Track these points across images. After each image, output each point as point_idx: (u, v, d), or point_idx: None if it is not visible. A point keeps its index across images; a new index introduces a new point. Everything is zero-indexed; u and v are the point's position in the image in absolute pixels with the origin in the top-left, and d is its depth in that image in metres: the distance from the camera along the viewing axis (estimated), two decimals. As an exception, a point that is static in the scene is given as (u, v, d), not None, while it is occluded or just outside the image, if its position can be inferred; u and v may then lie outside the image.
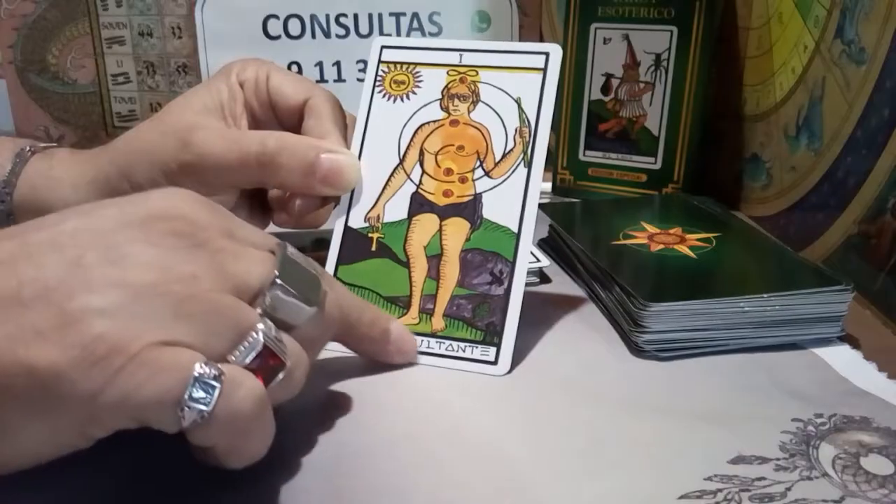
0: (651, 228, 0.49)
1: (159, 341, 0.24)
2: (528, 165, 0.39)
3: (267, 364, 0.26)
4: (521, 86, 0.40)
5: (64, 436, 0.25)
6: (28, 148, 0.44)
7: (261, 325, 0.26)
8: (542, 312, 0.42)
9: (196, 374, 0.24)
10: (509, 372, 0.36)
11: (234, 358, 0.26)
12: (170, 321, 0.24)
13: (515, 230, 0.38)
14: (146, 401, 0.24)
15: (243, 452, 0.27)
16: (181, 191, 0.28)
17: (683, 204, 0.56)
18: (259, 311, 0.27)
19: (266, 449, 0.27)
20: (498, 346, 0.37)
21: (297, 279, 0.28)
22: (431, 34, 0.70)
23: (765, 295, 0.39)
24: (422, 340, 0.38)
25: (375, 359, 0.36)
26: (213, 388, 0.24)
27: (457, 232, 0.39)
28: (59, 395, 0.23)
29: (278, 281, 0.27)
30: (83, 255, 0.24)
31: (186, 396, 0.24)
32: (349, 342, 0.35)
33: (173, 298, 0.25)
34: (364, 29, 0.70)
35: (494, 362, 0.36)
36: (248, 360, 0.26)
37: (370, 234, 0.40)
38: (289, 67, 0.69)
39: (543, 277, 0.48)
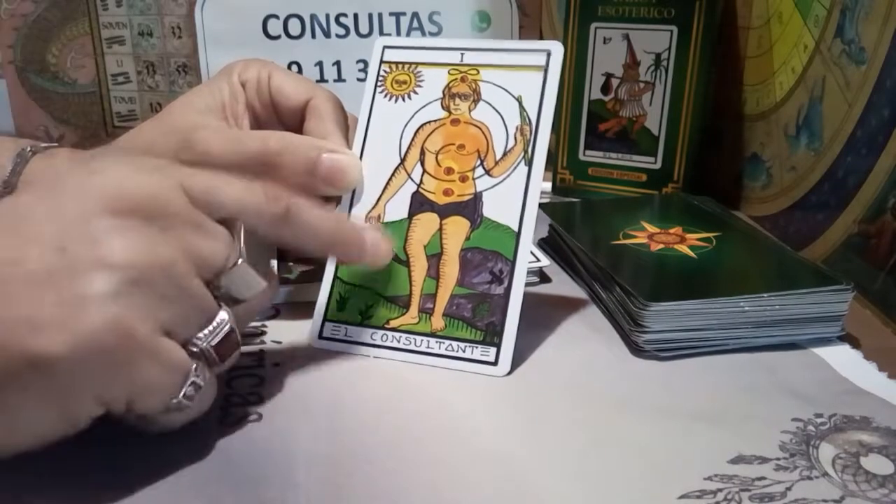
0: (651, 228, 0.49)
1: (152, 329, 0.26)
2: (529, 164, 0.39)
3: (229, 345, 0.29)
4: (522, 84, 0.40)
5: (71, 418, 0.26)
6: (29, 148, 0.44)
7: (225, 308, 0.29)
8: (542, 312, 0.42)
9: (191, 377, 0.28)
10: (510, 373, 0.36)
11: (200, 339, 0.28)
12: (157, 307, 0.26)
13: (516, 229, 0.38)
14: (150, 392, 0.27)
15: (182, 425, 0.29)
16: (121, 164, 0.29)
17: (683, 204, 0.56)
18: (216, 290, 0.29)
19: None
20: (498, 346, 0.37)
21: (254, 255, 0.30)
22: (431, 34, 0.70)
23: (765, 294, 0.39)
24: (421, 340, 0.38)
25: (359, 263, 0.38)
26: (200, 388, 0.28)
27: (457, 231, 0.39)
28: (70, 384, 0.25)
29: (240, 261, 0.29)
30: (64, 247, 0.25)
31: (181, 395, 0.27)
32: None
33: (158, 285, 0.26)
34: (364, 29, 0.70)
35: (495, 363, 0.36)
36: (214, 342, 0.28)
37: None
38: (289, 67, 0.69)
39: (543, 277, 0.48)
